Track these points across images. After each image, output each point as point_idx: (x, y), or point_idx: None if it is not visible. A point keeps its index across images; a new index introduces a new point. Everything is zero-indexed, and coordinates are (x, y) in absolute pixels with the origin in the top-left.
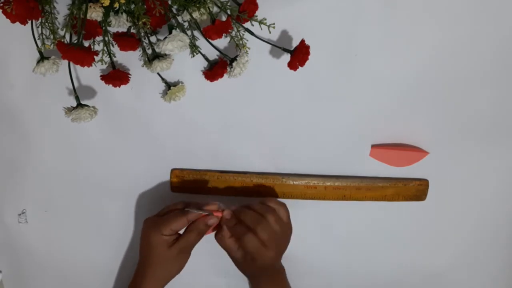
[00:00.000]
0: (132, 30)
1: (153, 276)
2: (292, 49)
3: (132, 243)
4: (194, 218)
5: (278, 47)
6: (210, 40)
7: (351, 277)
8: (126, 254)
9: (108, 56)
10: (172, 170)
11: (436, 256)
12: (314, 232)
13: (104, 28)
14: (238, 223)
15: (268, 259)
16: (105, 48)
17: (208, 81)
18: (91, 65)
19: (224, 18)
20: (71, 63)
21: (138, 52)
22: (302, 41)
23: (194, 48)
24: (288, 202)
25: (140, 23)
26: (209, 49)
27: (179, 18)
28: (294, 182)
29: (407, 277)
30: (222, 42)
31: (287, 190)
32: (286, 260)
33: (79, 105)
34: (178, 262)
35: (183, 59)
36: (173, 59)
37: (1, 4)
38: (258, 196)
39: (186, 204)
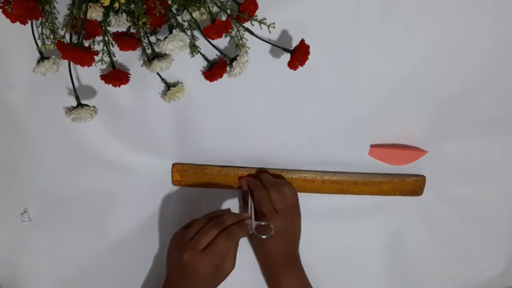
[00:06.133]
0: (132, 30)
1: None
2: (292, 49)
3: (133, 241)
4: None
5: (278, 46)
6: (210, 40)
7: (346, 271)
8: (128, 252)
9: (108, 56)
10: (173, 165)
11: (432, 250)
12: (311, 226)
13: (104, 28)
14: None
15: (278, 227)
16: (105, 48)
17: (208, 81)
18: (91, 65)
19: (224, 18)
20: (71, 63)
21: (138, 52)
22: (302, 41)
23: (194, 48)
24: None
25: (140, 23)
26: (208, 49)
27: (179, 18)
28: (293, 176)
29: (403, 273)
30: (222, 42)
31: None
32: None
33: (79, 105)
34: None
35: (183, 59)
36: (172, 59)
37: (1, 4)
38: None
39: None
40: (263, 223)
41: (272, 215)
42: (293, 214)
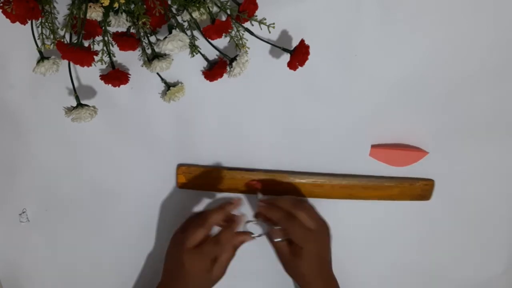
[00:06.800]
0: (132, 30)
1: None
2: (292, 49)
3: (134, 241)
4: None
5: (278, 47)
6: (210, 40)
7: (356, 275)
8: (128, 252)
9: (108, 56)
10: (179, 166)
11: (440, 255)
12: None
13: (104, 28)
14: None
15: (314, 249)
16: (104, 48)
17: (208, 81)
18: (91, 65)
19: (224, 18)
20: (71, 63)
21: (137, 52)
22: (302, 41)
23: (194, 48)
24: None
25: (140, 23)
26: (208, 49)
27: (179, 18)
28: (301, 181)
29: (412, 276)
30: (222, 42)
31: (293, 188)
32: None
33: (79, 105)
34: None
35: (183, 59)
36: (172, 59)
37: (1, 4)
38: (264, 194)
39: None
40: (276, 228)
41: (308, 235)
42: (325, 230)
